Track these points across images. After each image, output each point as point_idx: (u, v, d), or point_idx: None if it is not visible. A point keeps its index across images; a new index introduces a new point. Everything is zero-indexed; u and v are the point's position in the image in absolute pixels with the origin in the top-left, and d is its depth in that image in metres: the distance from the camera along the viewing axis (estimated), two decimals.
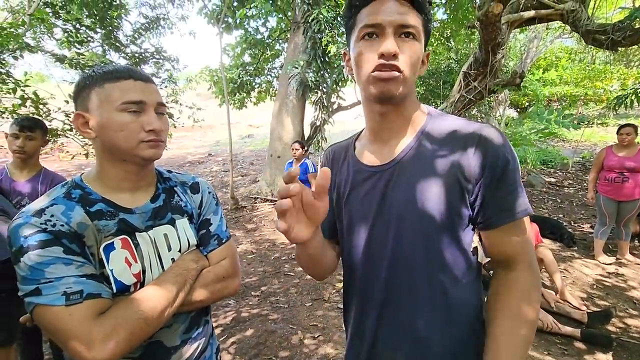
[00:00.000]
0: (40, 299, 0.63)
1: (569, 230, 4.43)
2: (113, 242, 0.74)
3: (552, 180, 7.68)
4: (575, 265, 3.61)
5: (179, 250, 0.84)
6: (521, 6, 4.48)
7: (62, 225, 0.68)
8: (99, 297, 0.67)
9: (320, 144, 7.29)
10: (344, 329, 2.82)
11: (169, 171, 0.94)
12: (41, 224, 0.66)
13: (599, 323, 2.53)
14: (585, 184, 7.23)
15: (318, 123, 7.12)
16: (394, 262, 0.73)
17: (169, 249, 0.82)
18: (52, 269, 0.65)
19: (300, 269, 3.73)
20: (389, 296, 0.75)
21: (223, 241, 0.92)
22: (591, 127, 15.31)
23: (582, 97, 13.62)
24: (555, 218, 5.11)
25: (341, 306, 2.88)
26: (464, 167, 0.68)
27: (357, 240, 0.80)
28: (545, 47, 13.49)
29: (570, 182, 7.57)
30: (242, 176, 9.16)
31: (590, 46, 4.76)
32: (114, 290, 0.72)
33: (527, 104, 15.42)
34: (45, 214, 0.68)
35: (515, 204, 0.68)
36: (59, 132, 4.51)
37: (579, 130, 12.52)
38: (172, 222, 0.84)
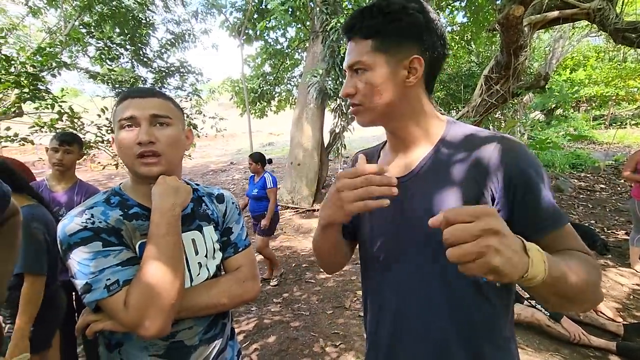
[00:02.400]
0: (93, 294, 0.72)
1: (602, 237, 4.22)
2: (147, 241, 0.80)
3: (583, 184, 7.36)
4: (609, 275, 3.44)
5: (205, 255, 0.89)
6: (544, 7, 4.37)
7: (101, 222, 0.76)
8: None
9: (339, 151, 7.32)
10: (365, 337, 2.79)
11: (197, 184, 1.00)
12: (82, 222, 0.75)
13: (636, 336, 2.40)
14: (619, 188, 6.89)
15: (337, 130, 7.15)
16: (412, 271, 0.73)
17: (196, 253, 0.87)
18: (94, 263, 0.73)
19: (321, 276, 3.75)
20: (404, 309, 0.75)
21: (239, 249, 0.96)
22: (624, 128, 14.57)
23: (614, 97, 13.01)
24: (587, 224, 4.88)
25: (362, 314, 2.87)
26: (483, 181, 0.67)
27: (376, 253, 0.81)
28: (572, 46, 13.04)
29: (602, 186, 7.22)
30: None
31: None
32: None
33: (553, 105, 14.89)
34: (85, 214, 0.76)
35: (544, 216, 0.65)
36: (91, 144, 4.76)
37: (611, 132, 11.96)
38: (199, 229, 0.90)
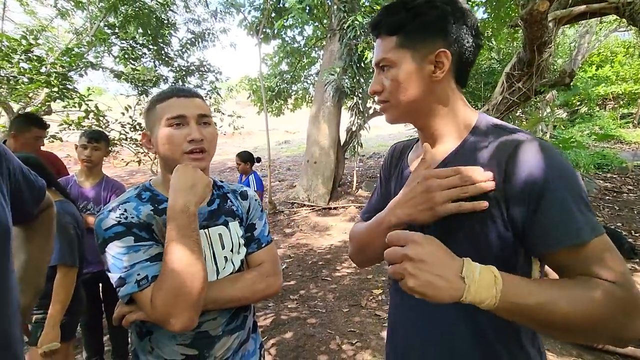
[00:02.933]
0: (126, 288, 0.76)
1: (629, 240, 4.07)
2: None
3: (609, 185, 7.09)
4: (637, 279, 3.31)
5: (231, 250, 0.92)
6: (570, 1, 4.22)
7: (133, 217, 0.80)
8: None
9: (356, 150, 7.30)
10: (381, 336, 2.78)
11: (221, 181, 1.04)
12: (116, 217, 0.79)
13: None
14: None
15: (354, 128, 7.13)
16: None
17: (223, 247, 0.91)
18: (127, 257, 0.77)
19: (337, 274, 3.76)
20: (416, 317, 0.75)
21: (263, 245, 0.99)
22: None
23: None
24: (613, 227, 4.71)
25: (378, 313, 2.88)
26: (500, 183, 0.63)
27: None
28: (599, 42, 12.54)
29: (629, 187, 6.94)
30: (279, 181, 9.37)
31: None
32: None
33: (578, 103, 14.39)
34: (119, 209, 0.81)
35: (558, 229, 0.58)
36: (115, 141, 4.92)
37: (638, 131, 11.45)
38: (225, 224, 0.93)
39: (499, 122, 0.72)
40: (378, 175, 0.97)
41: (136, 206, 0.83)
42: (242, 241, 0.96)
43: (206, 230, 0.89)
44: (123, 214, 0.80)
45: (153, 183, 0.92)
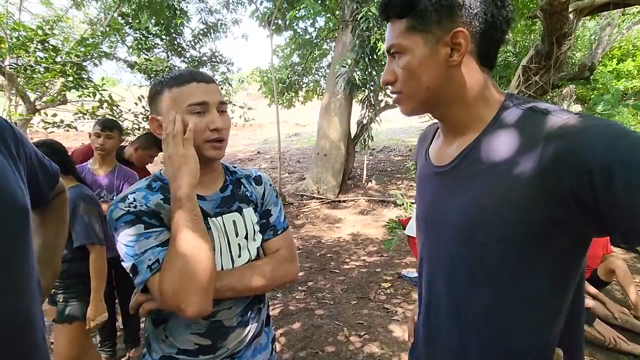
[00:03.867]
0: (139, 276, 0.76)
1: None
2: None
3: None
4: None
5: (245, 237, 0.91)
6: None
7: (142, 206, 0.79)
8: None
9: (366, 143, 7.25)
10: (389, 329, 2.77)
11: (234, 167, 1.02)
12: (125, 207, 0.78)
13: None
14: None
15: (365, 121, 7.08)
16: (449, 279, 0.69)
17: (237, 234, 0.89)
18: (138, 245, 0.76)
19: (346, 266, 3.77)
20: (433, 311, 0.74)
21: (279, 232, 0.98)
22: None
23: None
24: None
25: (387, 307, 2.88)
26: (541, 176, 0.53)
27: (421, 240, 0.81)
28: (621, 34, 12.11)
29: None
30: (289, 173, 9.39)
31: None
32: None
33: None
34: (128, 199, 0.79)
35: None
36: (128, 131, 4.99)
37: None
38: (239, 210, 0.91)
39: (529, 101, 0.62)
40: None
41: (145, 195, 0.81)
42: (257, 228, 0.94)
43: (220, 217, 0.87)
44: (132, 203, 0.79)
45: (163, 172, 0.90)
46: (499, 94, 0.66)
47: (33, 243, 0.74)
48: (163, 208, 0.81)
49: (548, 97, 8.11)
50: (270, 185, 1.02)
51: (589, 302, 2.58)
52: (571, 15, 3.96)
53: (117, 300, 2.22)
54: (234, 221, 0.90)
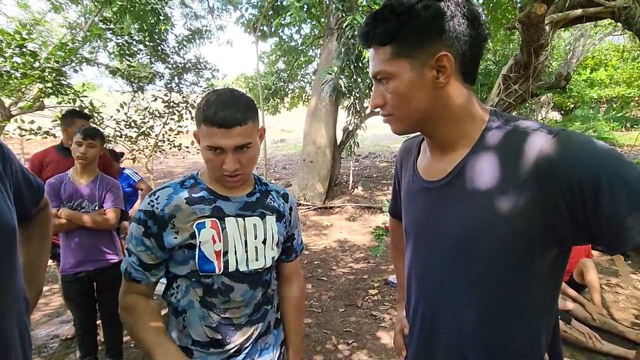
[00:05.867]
0: (123, 264, 0.93)
1: None
2: (205, 222, 0.89)
3: None
4: (634, 282, 3.35)
5: (264, 242, 0.96)
6: (567, 4, 4.25)
7: (157, 207, 0.88)
8: (139, 283, 0.91)
9: (352, 149, 7.30)
10: (377, 336, 2.77)
11: (266, 181, 1.09)
12: (147, 203, 0.89)
13: None
14: None
15: (350, 128, 7.13)
16: (445, 292, 0.70)
17: (255, 237, 0.95)
18: (132, 243, 0.90)
19: (333, 274, 3.76)
20: (431, 327, 0.74)
21: (298, 255, 1.13)
22: None
23: (637, 98, 12.62)
24: None
25: (374, 314, 2.88)
26: (531, 190, 0.57)
27: (410, 253, 0.81)
28: (593, 45, 12.67)
29: None
30: (275, 180, 9.35)
31: None
32: (197, 259, 0.88)
33: (572, 105, 14.53)
34: (155, 195, 0.90)
35: (630, 223, 0.51)
36: (110, 138, 4.87)
37: (633, 134, 11.59)
38: (262, 216, 0.97)
39: (513, 117, 0.66)
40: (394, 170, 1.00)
41: (171, 194, 0.90)
42: (277, 238, 0.99)
43: (241, 219, 0.93)
44: (152, 201, 0.88)
45: (200, 173, 0.98)
46: (483, 111, 0.69)
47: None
48: (180, 210, 0.88)
49: (527, 105, 8.38)
50: (295, 206, 1.11)
51: (568, 304, 2.65)
52: (547, 27, 4.12)
53: (98, 314, 2.15)
54: (254, 224, 0.95)
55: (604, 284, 3.26)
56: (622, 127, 13.96)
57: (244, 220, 0.93)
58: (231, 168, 0.85)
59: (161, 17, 5.54)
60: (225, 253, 0.90)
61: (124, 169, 3.32)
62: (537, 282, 0.62)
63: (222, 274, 0.89)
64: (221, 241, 0.89)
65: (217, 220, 0.90)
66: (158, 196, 0.89)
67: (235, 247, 0.91)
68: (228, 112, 0.82)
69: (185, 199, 0.90)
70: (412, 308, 0.80)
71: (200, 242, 0.88)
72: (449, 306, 0.69)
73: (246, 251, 0.93)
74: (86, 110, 4.16)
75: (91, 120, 4.43)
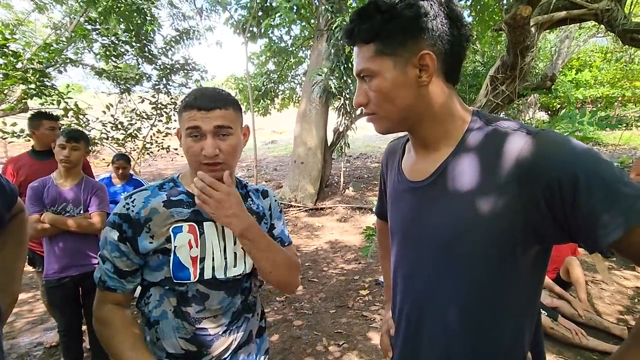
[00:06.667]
0: (96, 272, 0.88)
1: None
2: (182, 226, 0.86)
3: None
4: (613, 277, 3.42)
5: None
6: (552, 7, 4.34)
7: (132, 210, 0.84)
8: (114, 291, 0.86)
9: (343, 150, 7.31)
10: (368, 337, 2.77)
11: (247, 182, 1.06)
12: (123, 206, 0.85)
13: None
14: None
15: (341, 129, 7.14)
16: (432, 291, 0.70)
17: (235, 242, 0.91)
18: (106, 249, 0.85)
19: (324, 275, 3.76)
20: (419, 329, 0.74)
21: (285, 244, 1.04)
22: (630, 129, 14.48)
23: (620, 99, 12.93)
24: None
25: (365, 314, 2.88)
26: (513, 188, 0.58)
27: (395, 253, 0.81)
28: (578, 47, 12.96)
29: None
30: (266, 181, 9.30)
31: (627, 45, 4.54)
32: (171, 265, 0.84)
33: (558, 106, 14.81)
34: (131, 198, 0.87)
35: (606, 220, 0.51)
36: (96, 141, 4.78)
37: (617, 133, 11.88)
38: None
39: (494, 117, 0.67)
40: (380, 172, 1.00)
41: (148, 196, 0.86)
42: None
43: (219, 223, 0.89)
44: (128, 204, 0.85)
45: (181, 176, 0.95)
46: (464, 111, 0.69)
47: None
48: (157, 213, 0.85)
49: (514, 105, 8.52)
50: (275, 200, 1.08)
51: (555, 301, 2.70)
52: (533, 29, 4.19)
53: (83, 320, 2.10)
54: None
55: (589, 281, 3.32)
56: (606, 127, 14.27)
57: (222, 225, 0.89)
58: (210, 152, 0.81)
59: (148, 18, 5.48)
60: (202, 259, 0.86)
61: (132, 175, 3.30)
62: (520, 280, 0.63)
63: (197, 281, 0.86)
64: (198, 247, 0.86)
65: (195, 225, 0.87)
66: (134, 199, 0.86)
67: (213, 254, 0.88)
68: (208, 97, 0.84)
69: (163, 202, 0.87)
70: (397, 308, 0.80)
71: (175, 247, 0.84)
72: (435, 306, 0.69)
73: (225, 257, 0.89)
74: (70, 113, 4.08)
75: (76, 123, 4.36)
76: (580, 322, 2.54)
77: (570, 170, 0.53)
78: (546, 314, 2.48)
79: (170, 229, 0.85)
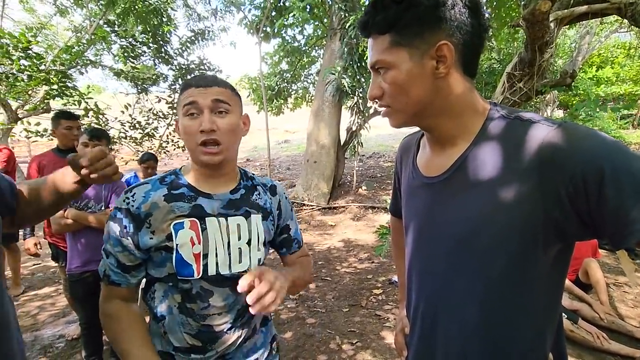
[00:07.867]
0: (100, 267, 0.87)
1: None
2: (183, 222, 0.83)
3: None
4: (638, 280, 3.30)
5: (248, 243, 0.90)
6: (572, 1, 4.22)
7: (133, 205, 0.82)
8: (119, 286, 0.86)
9: (356, 149, 7.29)
10: (381, 336, 2.76)
11: (253, 173, 1.03)
12: (123, 200, 0.84)
13: None
14: None
15: (354, 128, 7.12)
16: (441, 288, 0.69)
17: (239, 238, 0.88)
18: (109, 243, 0.85)
19: (337, 273, 3.76)
20: (434, 327, 0.72)
21: (302, 244, 1.07)
22: None
23: None
24: None
25: (379, 313, 2.87)
26: (534, 183, 0.55)
27: (410, 250, 0.80)
28: (599, 43, 12.55)
29: None
30: (279, 181, 9.36)
31: None
32: (174, 262, 0.83)
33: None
34: (130, 192, 0.84)
35: (635, 216, 0.49)
36: (115, 140, 4.91)
37: (638, 132, 11.45)
38: (246, 215, 0.91)
39: (514, 110, 0.64)
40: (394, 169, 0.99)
41: (148, 190, 0.84)
42: (263, 237, 0.93)
43: (223, 218, 0.87)
44: (128, 199, 0.83)
45: (183, 169, 0.93)
46: (484, 103, 0.67)
47: None
48: (158, 208, 0.82)
49: (532, 103, 8.32)
50: (286, 197, 1.04)
51: (575, 304, 2.63)
52: (552, 24, 4.08)
53: None
54: (238, 225, 0.89)
55: (611, 283, 3.22)
56: (629, 125, 13.82)
57: (226, 220, 0.87)
58: (207, 126, 0.79)
59: (164, 19, 5.59)
60: (205, 256, 0.84)
61: (156, 174, 3.34)
62: (540, 278, 0.60)
63: (201, 277, 0.84)
64: (200, 243, 0.83)
65: (196, 221, 0.84)
66: (134, 193, 0.84)
67: (216, 250, 0.85)
68: (206, 77, 0.85)
69: (163, 196, 0.84)
70: (412, 306, 0.79)
71: (177, 245, 0.82)
72: (451, 303, 0.68)
73: (229, 253, 0.87)
74: (90, 113, 4.20)
75: (96, 122, 4.48)
76: (602, 325, 2.47)
77: (597, 162, 0.50)
78: (566, 316, 2.42)
79: (172, 225, 0.82)
